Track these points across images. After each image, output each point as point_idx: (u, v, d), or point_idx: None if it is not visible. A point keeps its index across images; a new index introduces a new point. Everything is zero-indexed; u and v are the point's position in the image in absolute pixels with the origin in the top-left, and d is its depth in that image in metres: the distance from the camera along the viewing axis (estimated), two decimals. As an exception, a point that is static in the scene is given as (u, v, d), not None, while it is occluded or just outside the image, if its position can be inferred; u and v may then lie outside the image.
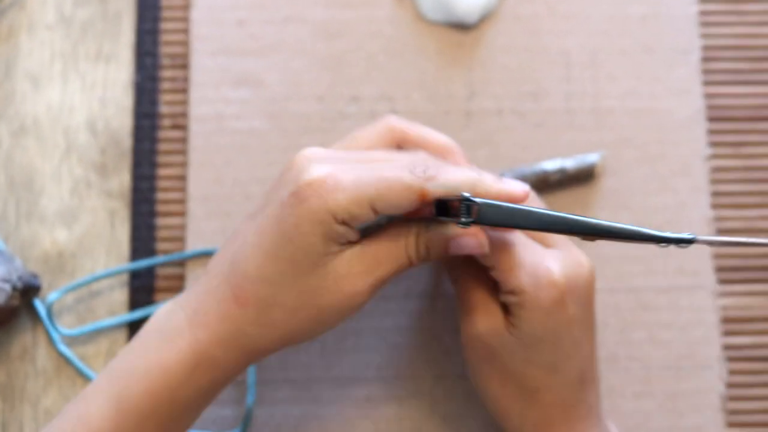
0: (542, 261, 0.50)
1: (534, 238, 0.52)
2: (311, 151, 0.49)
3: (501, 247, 0.50)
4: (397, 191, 0.47)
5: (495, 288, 0.52)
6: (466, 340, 0.52)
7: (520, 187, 0.49)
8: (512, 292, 0.50)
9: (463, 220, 0.46)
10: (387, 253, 0.49)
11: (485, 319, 0.51)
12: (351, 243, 0.48)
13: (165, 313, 0.50)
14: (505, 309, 0.51)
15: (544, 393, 0.51)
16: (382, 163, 0.49)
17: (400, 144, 0.53)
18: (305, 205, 0.47)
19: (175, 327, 0.49)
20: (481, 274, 0.52)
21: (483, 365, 0.52)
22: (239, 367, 0.49)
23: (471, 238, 0.49)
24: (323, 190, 0.47)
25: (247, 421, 0.57)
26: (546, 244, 0.52)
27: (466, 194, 0.46)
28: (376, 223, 0.50)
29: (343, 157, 0.49)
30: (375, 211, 0.47)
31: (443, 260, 0.54)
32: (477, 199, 0.46)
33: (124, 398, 0.48)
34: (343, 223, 0.47)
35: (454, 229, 0.49)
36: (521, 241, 0.51)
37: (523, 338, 0.50)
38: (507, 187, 0.49)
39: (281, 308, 0.48)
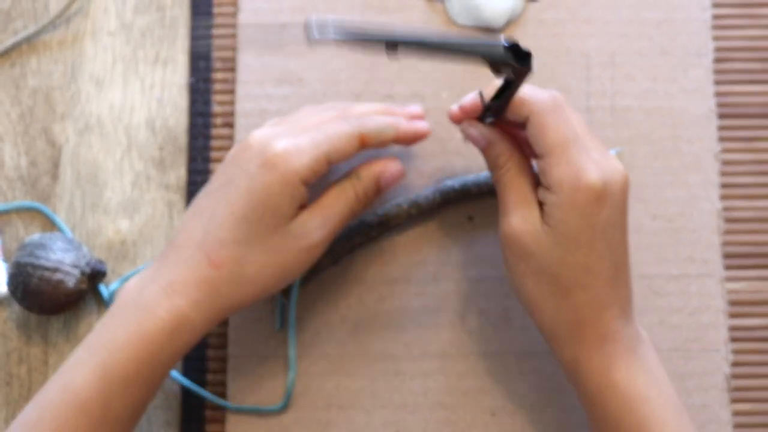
0: (584, 163, 0.54)
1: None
2: (262, 132, 0.57)
3: (557, 139, 0.54)
4: (343, 141, 0.57)
5: (533, 190, 0.56)
6: (504, 239, 0.56)
7: (424, 125, 0.61)
8: (551, 188, 0.54)
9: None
10: (333, 206, 0.58)
11: (522, 219, 0.55)
12: (303, 206, 0.57)
13: (136, 289, 0.56)
14: (542, 209, 0.55)
15: (578, 292, 0.55)
16: (323, 124, 0.58)
17: None
18: (275, 171, 0.55)
19: (151, 298, 0.54)
20: (523, 176, 0.57)
21: (519, 264, 0.56)
22: (212, 325, 0.56)
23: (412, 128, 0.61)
24: (289, 156, 0.55)
25: (288, 396, 0.63)
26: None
27: (505, 42, 0.52)
28: None
29: (291, 129, 0.57)
30: (329, 164, 0.57)
31: (488, 161, 0.59)
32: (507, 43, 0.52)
33: (108, 367, 0.53)
34: (303, 183, 0.55)
35: (381, 164, 0.60)
36: (574, 141, 0.55)
37: (558, 238, 0.54)
38: (416, 126, 0.61)
39: (252, 266, 0.55)
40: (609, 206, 0.54)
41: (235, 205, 0.55)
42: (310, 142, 0.56)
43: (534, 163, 0.58)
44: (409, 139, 0.62)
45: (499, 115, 0.57)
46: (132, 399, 0.54)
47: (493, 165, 0.58)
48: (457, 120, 0.60)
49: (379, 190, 0.60)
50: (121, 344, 0.54)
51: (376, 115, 0.60)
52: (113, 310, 0.56)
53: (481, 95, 0.57)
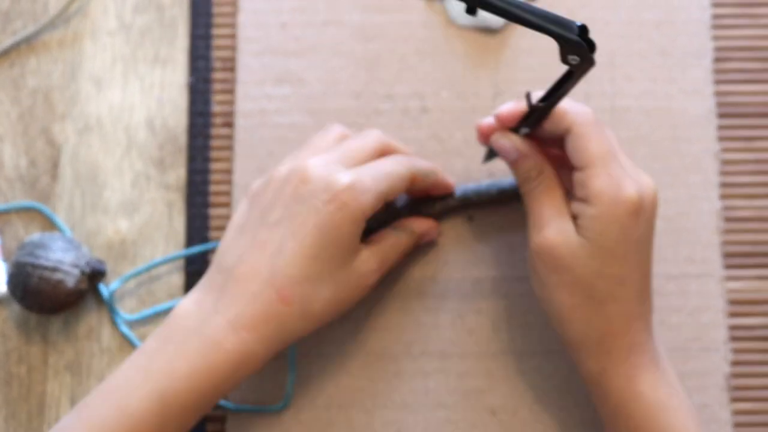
0: (623, 177, 0.55)
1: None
2: (318, 163, 0.57)
3: (598, 153, 0.55)
4: (399, 181, 0.58)
5: (566, 203, 0.57)
6: (537, 251, 0.57)
7: (450, 182, 0.63)
8: (589, 200, 0.55)
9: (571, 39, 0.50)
10: (389, 251, 0.60)
11: (558, 231, 0.56)
12: (361, 242, 0.57)
13: (196, 318, 0.55)
14: (576, 222, 0.56)
15: (611, 304, 0.56)
16: (380, 162, 0.58)
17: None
18: (345, 209, 0.55)
19: (217, 331, 0.54)
20: (555, 189, 0.57)
21: (552, 276, 0.56)
22: (273, 357, 0.56)
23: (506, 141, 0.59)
24: (357, 193, 0.55)
25: (288, 398, 0.63)
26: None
27: (578, 23, 0.50)
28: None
29: (343, 159, 0.58)
30: (385, 201, 0.57)
31: (515, 173, 0.59)
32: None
33: (168, 396, 0.54)
34: (365, 220, 0.56)
35: (428, 225, 0.63)
36: (613, 156, 0.55)
37: (595, 251, 0.55)
38: (448, 178, 0.63)
39: (320, 302, 0.56)
40: (643, 221, 0.55)
41: (305, 241, 0.55)
42: (371, 179, 0.57)
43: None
44: (441, 188, 0.63)
45: (536, 125, 0.57)
46: (186, 426, 0.55)
47: (524, 178, 0.58)
48: (488, 132, 0.60)
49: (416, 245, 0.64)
50: (184, 374, 0.54)
51: (418, 158, 0.62)
52: (170, 336, 0.55)
53: (528, 96, 0.56)
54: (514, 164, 0.59)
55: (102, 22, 0.68)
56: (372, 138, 0.60)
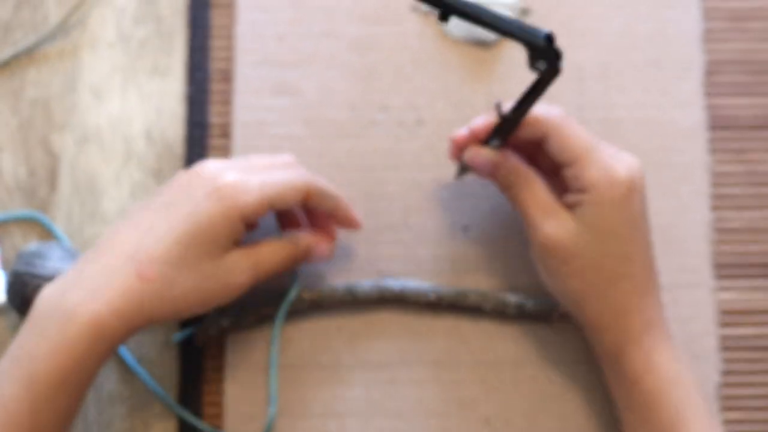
0: (611, 161, 0.58)
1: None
2: (214, 163, 0.59)
3: (582, 146, 0.58)
4: (290, 191, 0.59)
5: (551, 195, 0.59)
6: (542, 248, 0.59)
7: (356, 219, 0.63)
8: (584, 190, 0.57)
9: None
10: (267, 257, 0.60)
11: (555, 225, 0.58)
12: (237, 243, 0.58)
13: (57, 293, 0.56)
14: (573, 211, 0.58)
15: (621, 281, 0.58)
16: (277, 170, 0.60)
17: None
18: (221, 203, 0.57)
19: (74, 303, 0.55)
20: (539, 186, 0.59)
21: (562, 267, 0.58)
22: (132, 334, 0.56)
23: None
24: (236, 192, 0.57)
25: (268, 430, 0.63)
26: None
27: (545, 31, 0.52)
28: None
29: (244, 166, 0.59)
30: (271, 208, 0.58)
31: (499, 183, 0.60)
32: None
33: (34, 377, 0.54)
34: (243, 220, 0.57)
35: (317, 240, 0.62)
36: (595, 144, 0.58)
37: (597, 235, 0.57)
38: (354, 216, 0.63)
39: (179, 287, 0.56)
40: (637, 198, 0.58)
41: (175, 226, 0.56)
42: (258, 183, 0.58)
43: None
44: (341, 221, 0.63)
45: (507, 136, 0.58)
46: (60, 406, 0.55)
47: (505, 185, 0.60)
48: (462, 144, 0.61)
49: (306, 261, 0.63)
50: (45, 353, 0.54)
51: (326, 182, 0.62)
52: (35, 317, 0.56)
53: (498, 106, 0.58)
54: (491, 176, 0.60)
55: (101, 33, 0.69)
56: (285, 157, 0.62)
